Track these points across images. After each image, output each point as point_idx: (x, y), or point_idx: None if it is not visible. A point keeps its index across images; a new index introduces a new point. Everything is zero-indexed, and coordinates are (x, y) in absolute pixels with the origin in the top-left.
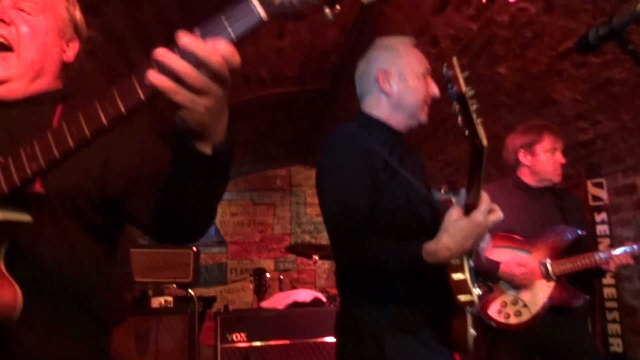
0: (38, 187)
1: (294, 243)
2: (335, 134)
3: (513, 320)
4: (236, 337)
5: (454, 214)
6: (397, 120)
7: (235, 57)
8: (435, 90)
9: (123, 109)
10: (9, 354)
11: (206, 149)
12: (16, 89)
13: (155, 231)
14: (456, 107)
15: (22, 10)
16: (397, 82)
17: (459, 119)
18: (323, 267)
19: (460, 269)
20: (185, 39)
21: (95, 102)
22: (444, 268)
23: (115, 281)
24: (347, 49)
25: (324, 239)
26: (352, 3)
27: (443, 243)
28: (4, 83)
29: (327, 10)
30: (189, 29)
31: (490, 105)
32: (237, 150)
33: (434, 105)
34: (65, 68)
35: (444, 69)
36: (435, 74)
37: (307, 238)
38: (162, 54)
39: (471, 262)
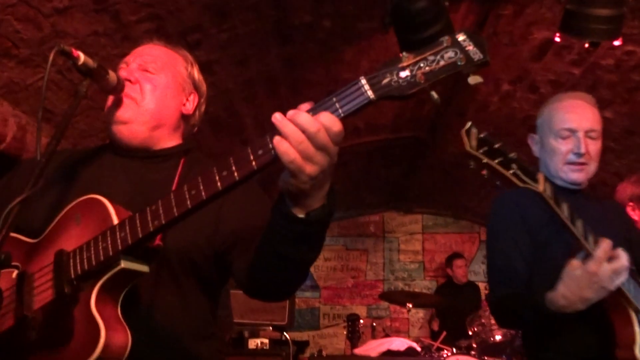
0: (158, 242)
1: (387, 290)
2: (495, 199)
3: None
4: None
5: (572, 263)
6: (556, 180)
7: (336, 128)
8: (573, 147)
9: (237, 177)
10: None
11: (300, 213)
12: (137, 132)
13: (247, 287)
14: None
15: (147, 71)
16: (539, 148)
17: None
18: (417, 315)
19: (629, 324)
20: (290, 111)
21: (214, 168)
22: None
23: (218, 326)
24: (442, 98)
25: (417, 286)
26: None
27: (559, 291)
28: (127, 124)
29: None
30: (293, 86)
31: None
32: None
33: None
34: (185, 120)
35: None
36: (535, 120)
37: (401, 285)
38: (275, 116)
39: None
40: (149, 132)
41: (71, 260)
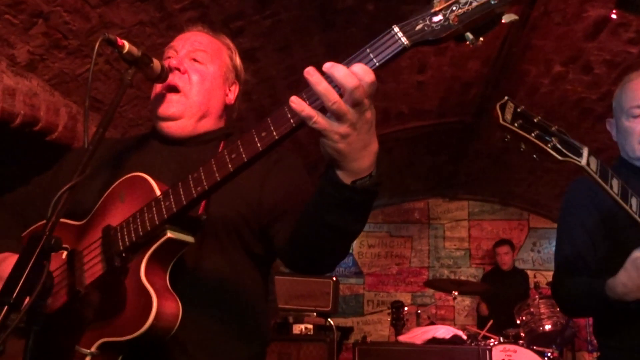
0: (201, 212)
1: (432, 277)
2: (570, 184)
3: None
4: None
5: (636, 251)
6: (635, 162)
7: (369, 78)
8: None
9: (276, 136)
10: None
11: (346, 180)
12: (186, 126)
13: (288, 258)
14: None
15: (195, 60)
16: (615, 131)
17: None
18: (463, 303)
19: None
20: (326, 64)
21: (252, 130)
22: None
23: (269, 306)
24: (490, 80)
25: (463, 274)
26: (496, 34)
27: (619, 279)
28: (176, 120)
29: (470, 35)
30: None
31: None
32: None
33: (587, 135)
34: (227, 109)
35: None
36: (589, 102)
37: (446, 273)
38: (309, 71)
39: None
40: (196, 123)
41: (119, 234)
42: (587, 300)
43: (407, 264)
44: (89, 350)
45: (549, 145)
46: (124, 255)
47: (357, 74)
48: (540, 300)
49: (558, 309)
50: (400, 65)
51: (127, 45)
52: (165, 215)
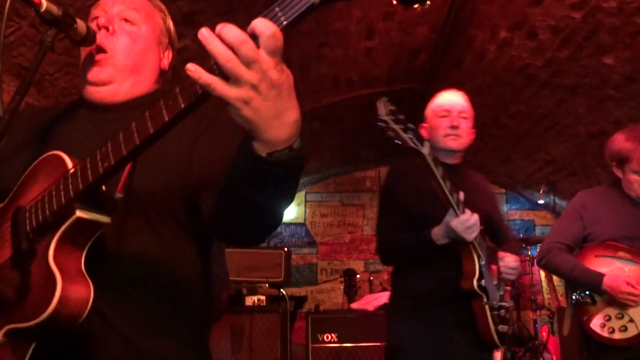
0: (119, 190)
1: None
2: (390, 167)
3: (617, 335)
4: (327, 337)
5: (448, 216)
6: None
7: (269, 31)
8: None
9: (182, 104)
10: (98, 349)
11: (261, 151)
12: (117, 92)
13: (213, 229)
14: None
15: (127, 20)
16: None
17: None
18: None
19: (472, 263)
20: (219, 26)
21: (160, 100)
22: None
23: (213, 280)
24: (438, 47)
25: None
26: None
27: (434, 231)
28: (106, 85)
29: None
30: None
31: (595, 99)
32: (324, 155)
33: (531, 101)
34: (162, 74)
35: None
36: (534, 68)
37: None
38: (201, 32)
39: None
40: (131, 88)
41: (27, 214)
42: (415, 245)
43: (359, 232)
44: None
45: (408, 136)
46: (31, 236)
47: (255, 28)
48: None
49: None
50: (348, 30)
51: (44, 3)
52: (72, 195)
